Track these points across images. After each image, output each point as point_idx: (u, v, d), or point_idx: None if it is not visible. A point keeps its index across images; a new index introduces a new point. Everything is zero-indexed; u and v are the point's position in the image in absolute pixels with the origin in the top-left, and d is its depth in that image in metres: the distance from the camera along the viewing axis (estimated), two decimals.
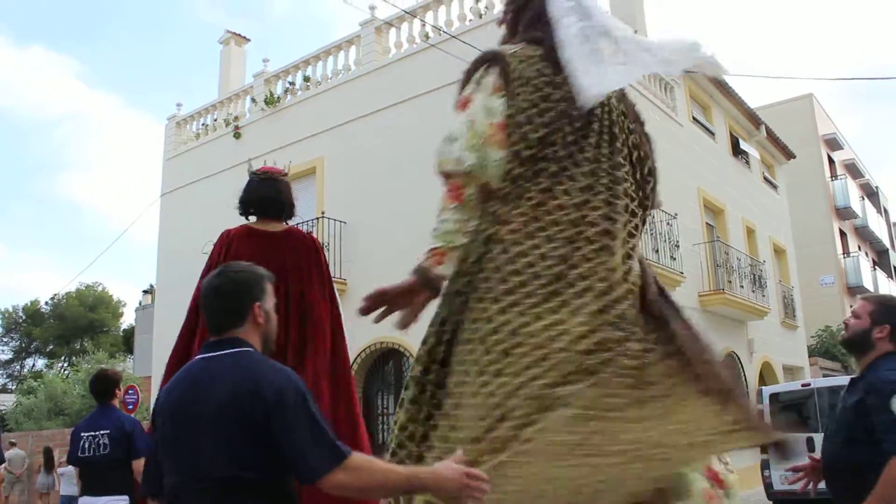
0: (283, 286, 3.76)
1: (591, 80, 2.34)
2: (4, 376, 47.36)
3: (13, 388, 40.92)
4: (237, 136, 15.74)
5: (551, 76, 2.43)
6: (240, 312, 2.21)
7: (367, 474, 2.03)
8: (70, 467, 15.62)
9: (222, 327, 2.20)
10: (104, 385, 5.34)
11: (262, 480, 2.02)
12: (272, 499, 2.06)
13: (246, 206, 4.04)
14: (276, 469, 2.03)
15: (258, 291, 2.26)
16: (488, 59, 2.50)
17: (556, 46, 2.46)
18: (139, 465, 4.75)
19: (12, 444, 19.09)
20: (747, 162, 20.29)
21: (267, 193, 3.98)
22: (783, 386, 13.82)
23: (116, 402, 5.35)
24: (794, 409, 11.67)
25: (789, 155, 23.29)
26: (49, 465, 16.76)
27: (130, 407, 16.68)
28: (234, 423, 2.00)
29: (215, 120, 16.93)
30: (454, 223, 2.34)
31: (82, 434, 5.12)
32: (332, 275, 13.48)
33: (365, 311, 2.39)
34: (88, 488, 5.08)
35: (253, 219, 4.07)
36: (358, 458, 2.04)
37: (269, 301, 2.29)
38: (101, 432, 5.03)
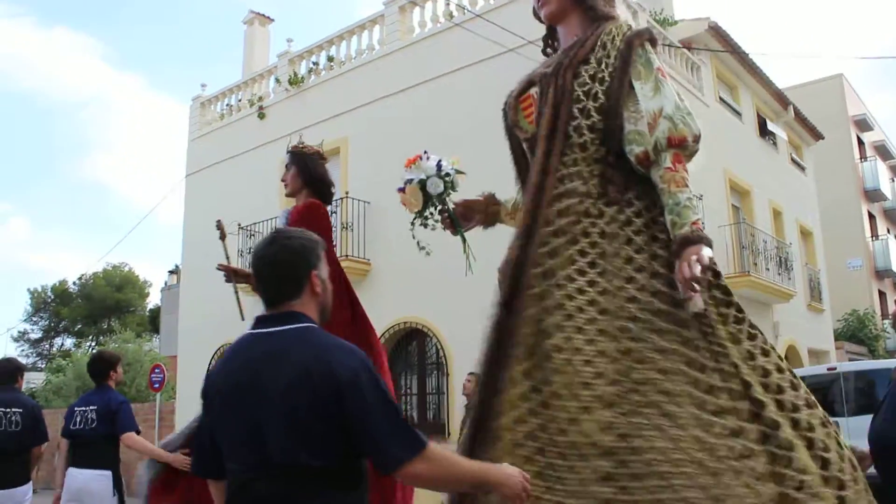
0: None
1: None
2: (34, 355, 48.17)
3: (43, 366, 41.59)
4: (261, 116, 15.77)
5: None
6: (297, 282, 2.07)
7: (445, 466, 1.95)
8: None
9: (278, 299, 2.07)
10: (99, 367, 5.55)
11: (334, 468, 1.90)
12: (346, 488, 1.94)
13: (326, 191, 4.13)
14: (348, 456, 1.92)
15: (315, 259, 2.11)
16: (652, 38, 2.55)
17: None
18: (127, 439, 5.09)
19: None
20: (774, 143, 20.04)
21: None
22: (809, 370, 13.71)
23: (112, 384, 5.54)
24: (819, 393, 11.56)
25: (818, 136, 22.95)
26: None
27: (157, 386, 16.89)
28: (304, 405, 1.87)
29: (239, 100, 16.97)
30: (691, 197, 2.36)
31: (75, 409, 5.41)
32: (357, 254, 13.68)
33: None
34: (76, 461, 5.30)
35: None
36: (436, 448, 1.94)
37: (325, 269, 2.16)
38: (91, 408, 5.30)
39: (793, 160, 21.55)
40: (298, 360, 1.92)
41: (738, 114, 17.98)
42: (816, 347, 20.08)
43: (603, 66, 2.48)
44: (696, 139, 2.37)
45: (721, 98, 17.19)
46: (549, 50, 2.86)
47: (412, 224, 2.94)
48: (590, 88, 2.48)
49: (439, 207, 2.90)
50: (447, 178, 2.86)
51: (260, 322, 2.08)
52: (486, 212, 2.94)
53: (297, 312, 2.04)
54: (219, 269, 3.89)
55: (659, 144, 2.36)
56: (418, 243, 2.97)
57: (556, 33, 2.79)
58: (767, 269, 16.70)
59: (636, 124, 2.41)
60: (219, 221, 4.09)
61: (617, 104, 2.44)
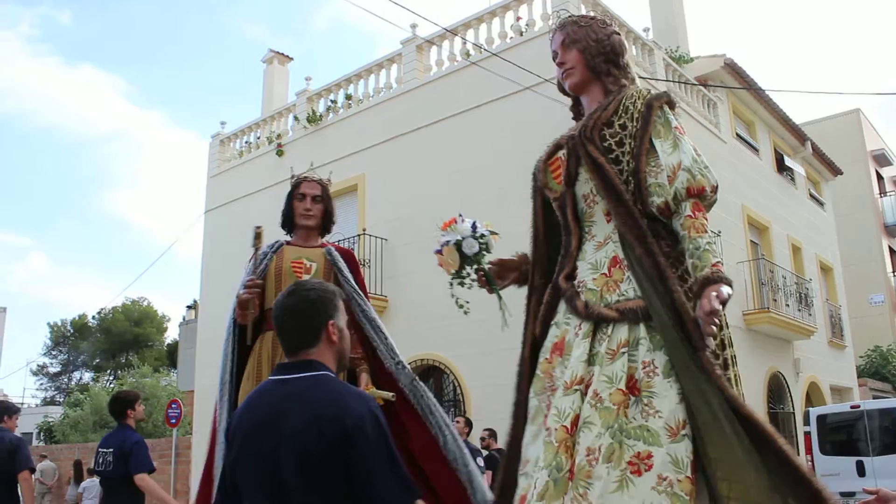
0: None
1: None
2: (52, 389, 48.34)
3: (61, 400, 41.72)
4: (280, 153, 15.92)
5: None
6: (314, 331, 2.18)
7: None
8: (90, 481, 16.29)
9: (297, 348, 2.18)
10: (116, 406, 5.75)
11: None
12: None
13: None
14: (351, 501, 2.00)
15: (332, 308, 2.22)
16: (670, 101, 2.74)
17: None
18: (139, 480, 5.25)
19: (43, 457, 19.73)
20: (792, 179, 19.99)
21: None
22: (831, 407, 13.50)
23: (131, 422, 5.68)
24: (842, 431, 11.37)
25: (836, 171, 22.88)
26: (78, 477, 17.15)
27: (174, 421, 16.89)
28: (314, 450, 1.97)
29: (258, 138, 17.15)
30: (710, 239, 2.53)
31: (98, 450, 5.61)
32: (374, 291, 13.61)
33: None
34: (102, 502, 5.56)
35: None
36: (421, 501, 2.05)
37: (342, 318, 2.26)
38: (109, 450, 5.46)
39: (811, 196, 21.46)
40: (312, 405, 2.03)
41: (755, 150, 17.97)
42: (839, 384, 19.81)
43: (626, 129, 2.68)
44: (714, 189, 2.56)
45: (738, 134, 17.19)
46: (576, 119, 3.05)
47: (450, 284, 3.03)
48: (616, 155, 2.66)
49: (475, 267, 3.01)
50: (482, 240, 2.98)
51: (280, 369, 2.20)
52: (520, 270, 3.05)
53: (313, 361, 2.15)
54: (249, 285, 3.74)
55: (679, 195, 2.54)
56: (456, 301, 3.06)
57: (581, 104, 2.98)
58: (787, 306, 16.55)
59: (657, 178, 2.60)
60: (258, 228, 3.95)
61: (639, 161, 2.62)
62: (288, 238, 4.12)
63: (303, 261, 3.92)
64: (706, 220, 2.53)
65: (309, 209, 4.01)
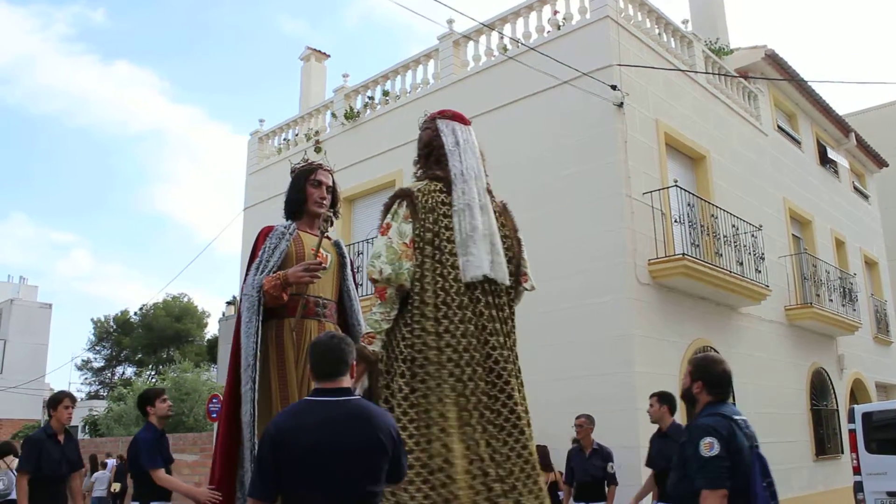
0: None
1: (471, 262, 3.42)
2: (97, 383, 49.31)
3: (105, 394, 42.51)
4: (318, 150, 16.00)
5: (449, 204, 3.53)
6: (348, 365, 2.82)
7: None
8: (101, 473, 16.56)
9: (334, 375, 2.78)
10: (138, 404, 6.14)
11: (382, 491, 2.79)
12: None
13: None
14: (388, 482, 2.81)
15: (354, 350, 2.92)
16: (400, 196, 3.52)
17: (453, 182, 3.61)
18: (154, 477, 5.48)
19: None
20: (836, 171, 19.63)
21: None
22: (877, 405, 13.23)
23: (153, 419, 5.90)
24: (889, 429, 11.12)
25: (881, 163, 22.43)
26: (93, 469, 17.47)
27: (214, 415, 17.10)
28: (377, 454, 2.68)
29: (296, 135, 17.28)
30: (380, 315, 3.34)
31: None
32: None
33: None
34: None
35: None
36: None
37: None
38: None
39: (855, 188, 21.07)
40: (369, 422, 2.70)
41: (797, 142, 17.67)
42: (884, 381, 19.42)
43: None
44: (380, 272, 3.33)
45: (779, 127, 16.92)
46: None
47: None
48: None
49: None
50: None
51: (321, 392, 2.79)
52: None
53: (347, 388, 2.82)
54: (315, 269, 3.77)
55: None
56: None
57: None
58: (831, 301, 16.26)
59: None
60: (330, 212, 4.14)
61: None
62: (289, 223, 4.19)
63: (320, 250, 3.93)
64: (378, 298, 3.37)
65: (324, 197, 4.16)
